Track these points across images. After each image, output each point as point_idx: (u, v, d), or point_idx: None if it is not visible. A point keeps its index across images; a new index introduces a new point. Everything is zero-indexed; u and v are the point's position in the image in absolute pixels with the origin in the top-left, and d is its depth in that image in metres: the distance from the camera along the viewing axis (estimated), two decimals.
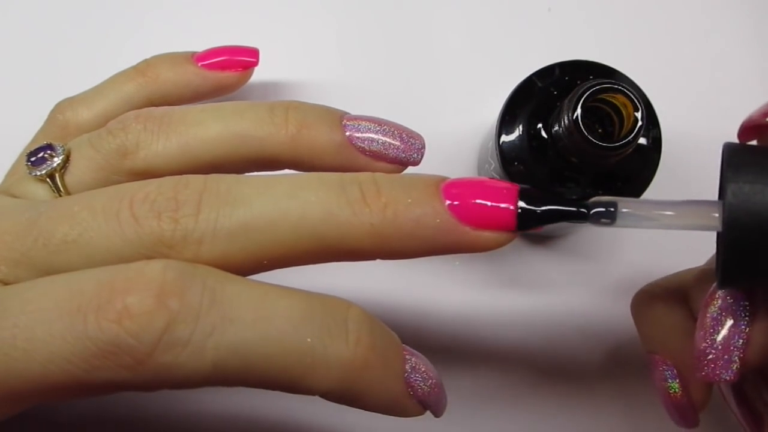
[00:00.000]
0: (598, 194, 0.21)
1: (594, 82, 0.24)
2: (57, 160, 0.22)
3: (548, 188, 0.22)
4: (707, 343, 0.22)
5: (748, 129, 0.21)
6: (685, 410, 0.25)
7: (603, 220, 0.20)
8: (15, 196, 0.23)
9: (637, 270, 0.32)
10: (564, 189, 0.27)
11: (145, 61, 0.29)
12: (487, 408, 0.31)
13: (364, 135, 0.23)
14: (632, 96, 0.24)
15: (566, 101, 0.25)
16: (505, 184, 0.20)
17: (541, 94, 0.28)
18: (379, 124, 0.23)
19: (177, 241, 0.19)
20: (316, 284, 0.22)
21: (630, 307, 0.28)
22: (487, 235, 0.20)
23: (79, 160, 0.23)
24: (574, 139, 0.24)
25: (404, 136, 0.23)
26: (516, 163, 0.27)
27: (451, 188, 0.20)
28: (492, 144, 0.28)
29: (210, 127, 0.22)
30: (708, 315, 0.22)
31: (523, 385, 0.32)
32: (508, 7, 0.35)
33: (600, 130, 0.26)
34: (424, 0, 0.35)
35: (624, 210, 0.20)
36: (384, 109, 0.33)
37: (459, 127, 0.33)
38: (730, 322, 0.22)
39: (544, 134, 0.27)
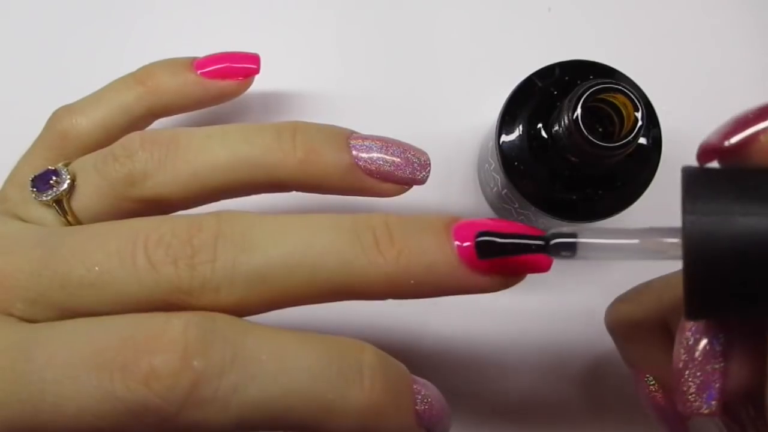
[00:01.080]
0: (562, 224, 0.20)
1: (594, 82, 0.24)
2: (63, 186, 0.22)
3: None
4: (684, 377, 0.21)
5: (707, 152, 0.20)
6: (673, 420, 0.25)
7: (563, 253, 0.19)
8: (21, 219, 0.23)
9: (637, 270, 0.32)
10: (564, 189, 0.27)
11: (144, 68, 0.29)
12: (487, 407, 0.31)
13: (370, 155, 0.23)
14: (632, 96, 0.24)
15: (566, 101, 0.25)
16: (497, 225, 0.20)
17: (541, 94, 0.28)
18: (385, 143, 0.24)
19: (195, 288, 0.19)
20: None
21: (605, 321, 0.27)
22: (495, 279, 0.21)
23: (86, 186, 0.23)
24: (574, 139, 0.24)
25: (410, 156, 0.24)
26: (516, 163, 0.27)
27: (461, 230, 0.20)
28: (492, 144, 0.28)
29: (217, 155, 0.22)
30: (682, 349, 0.21)
31: (523, 385, 0.32)
32: (508, 7, 0.35)
33: (600, 130, 0.26)
34: (425, 0, 0.35)
35: (584, 241, 0.19)
36: (384, 109, 0.34)
37: (459, 126, 0.33)
38: (703, 353, 0.21)
39: (544, 134, 0.27)
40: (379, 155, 0.23)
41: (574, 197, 0.27)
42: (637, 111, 0.24)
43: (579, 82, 0.25)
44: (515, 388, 0.32)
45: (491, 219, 0.21)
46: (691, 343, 0.21)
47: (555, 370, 0.32)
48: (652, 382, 0.25)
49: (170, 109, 0.28)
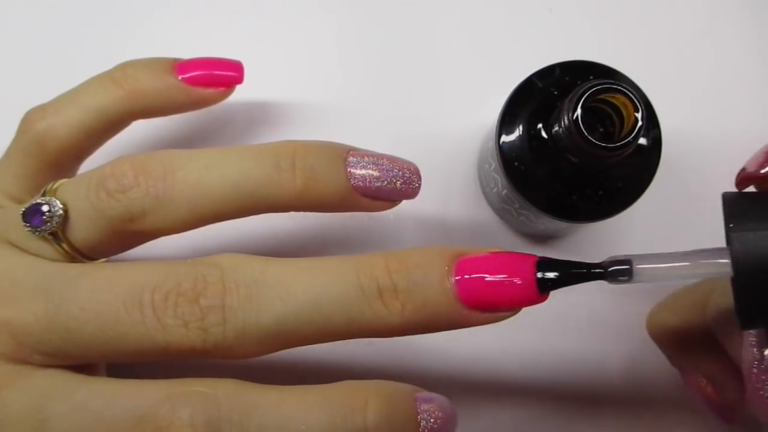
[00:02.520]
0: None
1: (594, 83, 0.24)
2: (56, 219, 0.22)
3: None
4: (760, 384, 0.23)
5: (744, 179, 0.22)
6: (724, 410, 0.27)
7: (620, 278, 0.20)
8: (13, 244, 0.23)
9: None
10: (564, 189, 0.27)
11: (122, 69, 0.27)
12: (484, 405, 0.31)
13: (363, 172, 0.23)
14: (632, 96, 0.24)
15: (566, 101, 0.25)
16: (520, 258, 0.21)
17: (542, 95, 0.28)
18: (378, 159, 0.23)
19: (208, 349, 0.21)
20: None
21: (647, 328, 0.28)
22: (493, 316, 0.21)
23: (81, 220, 0.22)
24: (574, 140, 0.24)
25: (404, 172, 0.24)
26: (516, 164, 0.28)
27: (463, 266, 0.21)
28: (492, 144, 0.28)
29: (216, 187, 0.22)
30: (750, 359, 0.23)
31: (522, 385, 0.32)
32: (508, 8, 0.35)
33: (601, 130, 0.26)
34: (425, 1, 0.35)
35: (639, 266, 0.20)
36: (385, 109, 0.34)
37: (459, 127, 0.33)
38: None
39: (544, 134, 0.27)
40: (372, 172, 0.23)
41: (574, 197, 0.27)
42: (637, 111, 0.24)
43: (579, 82, 0.26)
44: (514, 388, 0.32)
45: (495, 253, 0.21)
46: (755, 353, 0.23)
47: (554, 369, 0.32)
48: (701, 379, 0.27)
49: (150, 113, 0.28)
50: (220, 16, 0.35)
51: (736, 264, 0.19)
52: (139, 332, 0.20)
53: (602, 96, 0.24)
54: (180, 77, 0.27)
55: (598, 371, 0.32)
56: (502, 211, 0.32)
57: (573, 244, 0.33)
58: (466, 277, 0.20)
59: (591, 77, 0.27)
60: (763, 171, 0.21)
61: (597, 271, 0.20)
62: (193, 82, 0.28)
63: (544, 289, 0.20)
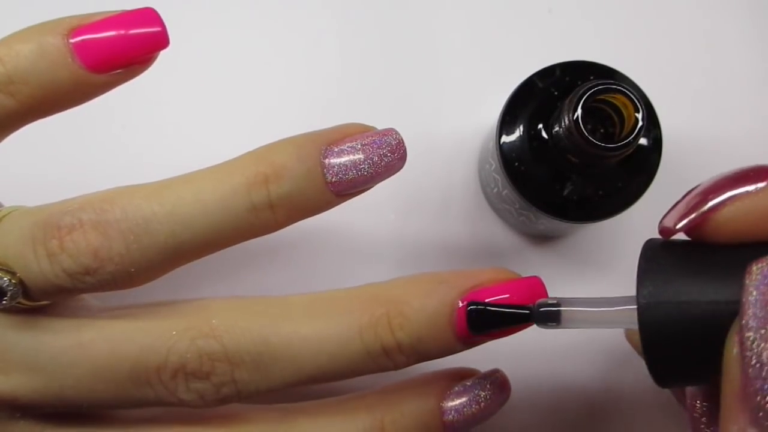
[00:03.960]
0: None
1: (594, 83, 0.24)
2: (12, 293, 0.20)
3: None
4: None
5: (663, 233, 0.21)
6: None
7: (549, 324, 0.21)
8: None
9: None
10: (564, 190, 0.27)
11: (7, 75, 0.20)
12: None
13: (342, 160, 0.21)
14: (633, 96, 0.24)
15: (567, 102, 0.25)
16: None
17: (542, 95, 0.28)
18: (354, 142, 0.22)
19: (225, 402, 0.21)
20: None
21: (627, 338, 0.27)
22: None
23: (38, 283, 0.20)
24: (575, 140, 0.24)
25: (384, 152, 0.22)
26: (516, 164, 0.28)
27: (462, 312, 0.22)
28: (492, 144, 0.28)
29: (188, 240, 0.21)
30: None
31: (521, 384, 0.32)
32: (508, 8, 0.35)
33: (601, 131, 0.26)
34: (425, 1, 0.35)
35: (567, 309, 0.21)
36: (385, 109, 0.34)
37: (459, 127, 0.33)
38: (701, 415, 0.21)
39: (544, 135, 0.27)
40: (351, 158, 0.22)
41: (575, 198, 0.27)
42: (638, 112, 0.24)
43: (579, 82, 0.26)
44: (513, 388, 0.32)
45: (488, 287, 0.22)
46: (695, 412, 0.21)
47: (554, 369, 0.32)
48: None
49: (42, 111, 0.21)
50: (219, 16, 0.35)
51: (641, 324, 0.18)
52: (149, 400, 0.21)
53: (602, 96, 0.24)
54: (80, 62, 0.20)
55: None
56: (502, 211, 0.32)
57: (573, 244, 0.33)
58: None
59: (591, 77, 0.27)
60: (679, 226, 0.19)
61: (524, 312, 0.21)
62: (100, 67, 0.20)
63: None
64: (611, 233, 0.33)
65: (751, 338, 0.16)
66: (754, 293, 0.16)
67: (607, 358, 0.32)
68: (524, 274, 0.33)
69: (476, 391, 0.23)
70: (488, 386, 0.24)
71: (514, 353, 0.27)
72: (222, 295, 0.23)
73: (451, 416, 0.23)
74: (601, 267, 0.33)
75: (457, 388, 0.23)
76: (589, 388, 0.32)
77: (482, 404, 0.23)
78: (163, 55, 0.29)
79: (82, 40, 0.20)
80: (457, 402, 0.23)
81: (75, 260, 0.20)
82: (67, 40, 0.20)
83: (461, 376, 0.24)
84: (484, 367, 0.25)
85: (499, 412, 0.24)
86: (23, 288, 0.20)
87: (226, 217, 0.21)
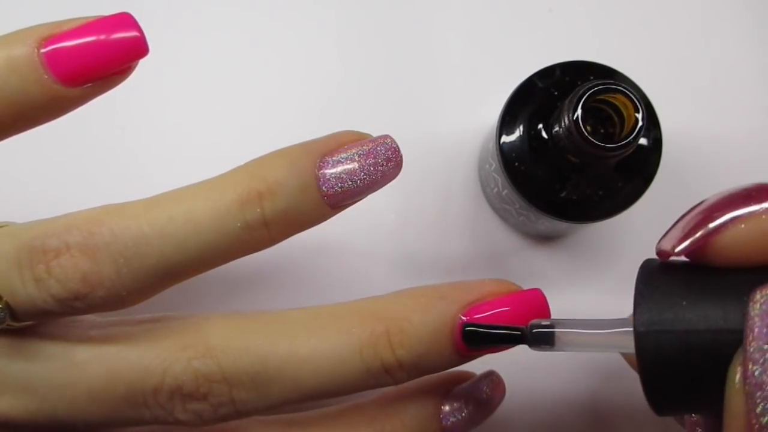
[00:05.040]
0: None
1: (594, 83, 0.24)
2: (3, 321, 0.20)
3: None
4: None
5: (660, 255, 0.20)
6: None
7: (543, 346, 0.20)
8: None
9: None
10: (564, 190, 0.27)
11: None
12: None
13: (337, 171, 0.21)
14: (633, 96, 0.24)
15: (567, 102, 0.25)
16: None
17: (542, 95, 0.28)
18: (349, 151, 0.21)
19: (225, 419, 0.21)
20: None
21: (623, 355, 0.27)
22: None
23: (26, 307, 0.20)
24: (575, 140, 0.24)
25: (380, 161, 0.21)
26: (516, 164, 0.28)
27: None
28: (492, 144, 0.29)
29: (184, 257, 0.20)
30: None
31: (520, 385, 0.32)
32: (508, 8, 0.35)
33: (601, 131, 0.26)
34: (425, 1, 0.35)
35: (560, 331, 0.20)
36: (385, 110, 0.34)
37: (459, 127, 0.33)
38: None
39: (544, 135, 0.27)
40: (347, 167, 0.21)
41: (575, 198, 0.27)
42: (638, 112, 0.24)
43: (579, 82, 0.26)
44: (513, 388, 0.32)
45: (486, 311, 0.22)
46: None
47: (554, 370, 0.32)
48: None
49: (17, 130, 0.20)
50: (219, 16, 0.35)
51: (638, 350, 0.18)
52: (145, 419, 0.21)
53: (602, 96, 0.24)
54: (52, 75, 0.19)
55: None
56: (502, 211, 0.32)
57: (573, 244, 0.33)
58: None
59: (591, 77, 0.27)
60: (678, 249, 0.18)
61: (516, 333, 0.21)
62: (75, 79, 0.19)
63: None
64: (611, 233, 0.33)
65: (756, 371, 0.15)
66: (759, 322, 0.16)
67: (606, 363, 0.32)
68: (524, 274, 0.33)
69: (473, 394, 0.24)
70: (484, 388, 0.24)
71: (512, 360, 0.27)
72: (220, 295, 0.23)
73: (449, 421, 0.23)
74: (600, 267, 0.33)
75: (454, 393, 0.24)
76: (588, 392, 0.32)
77: (479, 406, 0.24)
78: (162, 55, 0.29)
79: (54, 50, 0.18)
80: (455, 406, 0.23)
81: (63, 286, 0.19)
82: (38, 51, 0.18)
83: (457, 379, 0.24)
84: (481, 370, 0.25)
85: (497, 419, 0.24)
86: (10, 311, 0.19)
87: (219, 236, 0.20)
